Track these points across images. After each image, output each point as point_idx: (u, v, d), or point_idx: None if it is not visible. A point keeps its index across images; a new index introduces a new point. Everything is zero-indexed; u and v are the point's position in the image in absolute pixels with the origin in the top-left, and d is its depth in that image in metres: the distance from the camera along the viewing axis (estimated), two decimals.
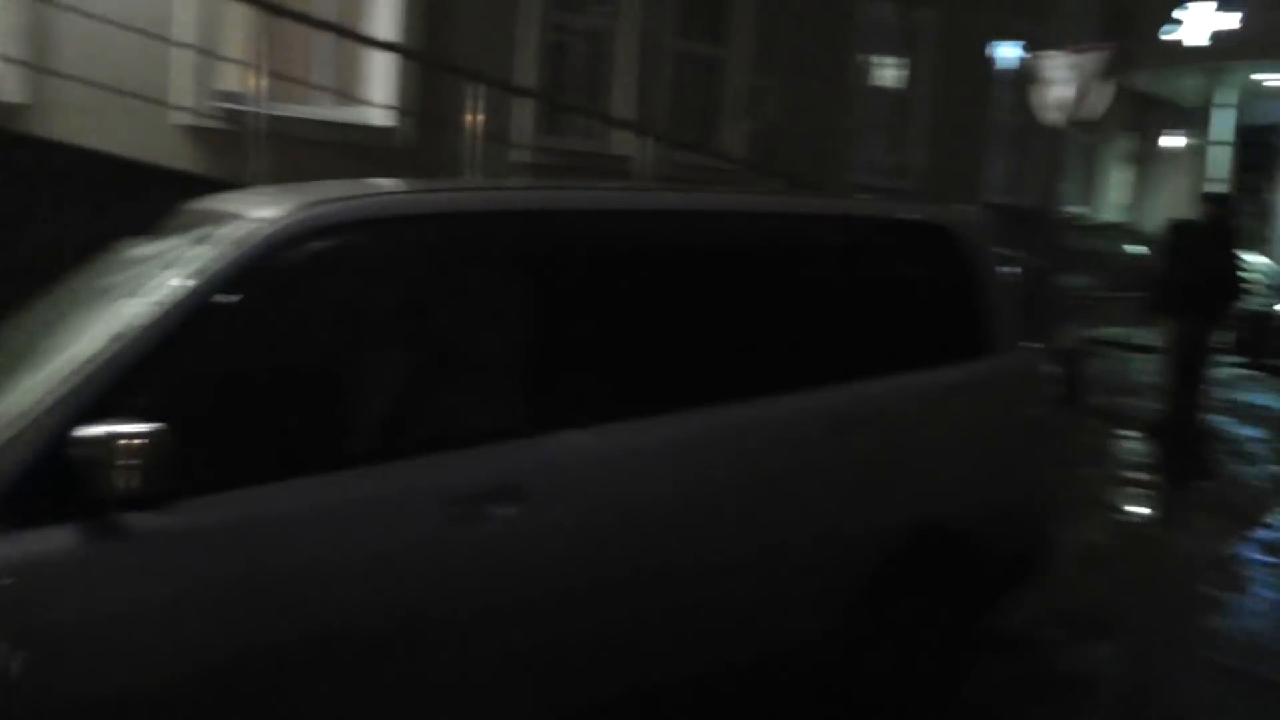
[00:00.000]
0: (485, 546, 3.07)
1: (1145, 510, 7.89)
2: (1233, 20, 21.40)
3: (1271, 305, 18.33)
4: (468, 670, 3.08)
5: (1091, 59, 11.08)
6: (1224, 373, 15.62)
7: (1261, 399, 13.42)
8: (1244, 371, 16.02)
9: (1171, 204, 26.62)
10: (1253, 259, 26.72)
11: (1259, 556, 6.94)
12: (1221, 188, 23.52)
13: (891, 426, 4.09)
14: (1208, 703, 4.74)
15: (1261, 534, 7.39)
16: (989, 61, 19.36)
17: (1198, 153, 23.65)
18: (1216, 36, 21.60)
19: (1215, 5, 21.54)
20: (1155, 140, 26.99)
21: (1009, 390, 4.66)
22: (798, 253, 4.15)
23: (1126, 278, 22.31)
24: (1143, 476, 8.74)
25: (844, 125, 16.14)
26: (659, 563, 3.43)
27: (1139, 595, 5.96)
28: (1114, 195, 24.49)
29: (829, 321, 4.11)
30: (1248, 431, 10.94)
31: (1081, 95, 11.11)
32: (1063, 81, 11.22)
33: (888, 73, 17.38)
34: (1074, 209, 22.52)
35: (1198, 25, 21.68)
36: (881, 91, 17.32)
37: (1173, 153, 26.72)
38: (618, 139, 12.14)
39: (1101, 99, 11.35)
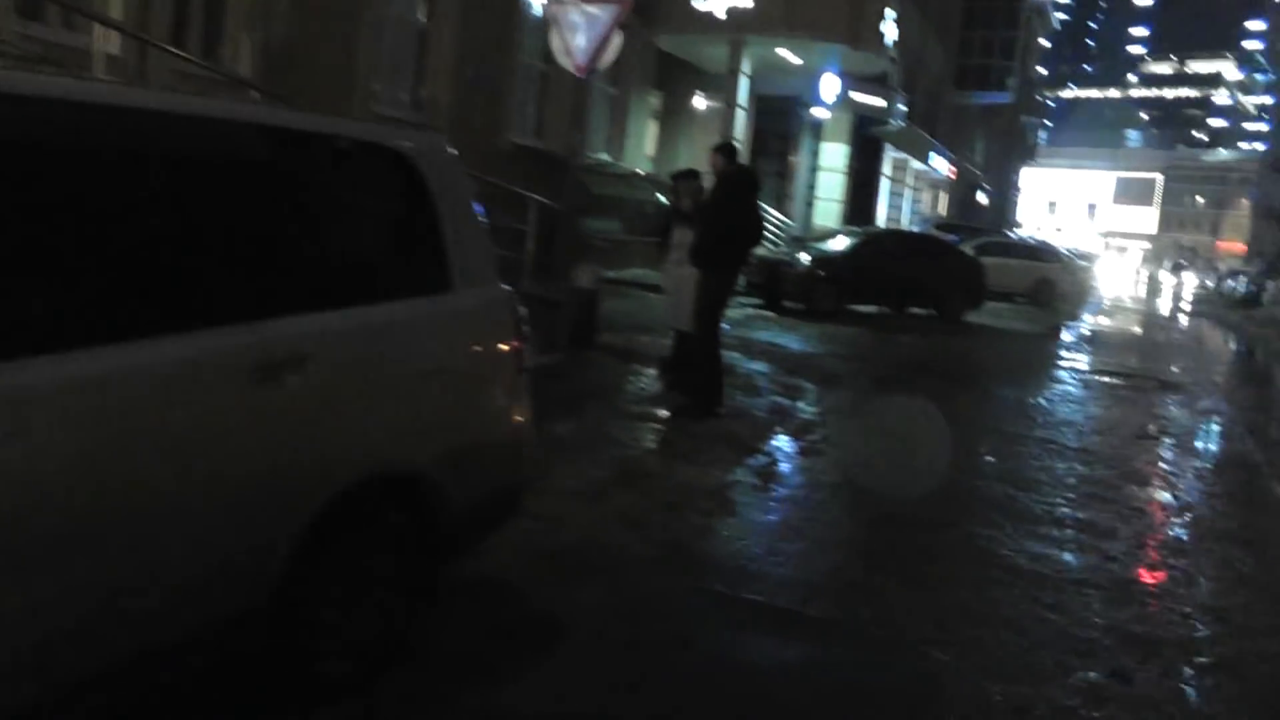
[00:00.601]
0: None
1: (650, 444, 7.56)
2: None
3: (791, 255, 19.40)
4: None
5: (606, 10, 10.75)
6: (739, 313, 16.32)
7: (770, 336, 13.94)
8: (757, 312, 16.75)
9: (694, 159, 27.83)
10: (773, 213, 28.77)
11: (752, 481, 6.78)
12: (741, 148, 24.83)
13: (331, 368, 3.32)
14: (690, 631, 4.34)
15: (757, 460, 7.27)
16: (517, 2, 19.01)
17: (722, 115, 24.77)
18: (732, 11, 22.65)
19: None
20: (684, 100, 28.08)
21: (474, 327, 4.09)
22: (214, 166, 3.18)
23: (648, 223, 23.17)
24: (651, 411, 8.49)
25: (362, 52, 15.12)
26: None
27: (632, 529, 5.50)
28: (642, 147, 25.12)
29: (254, 249, 3.24)
30: (755, 366, 11.17)
31: (594, 44, 10.75)
32: (577, 29, 10.82)
33: (410, 1, 16.45)
34: (601, 157, 22.90)
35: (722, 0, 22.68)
36: (404, 22, 16.39)
37: (700, 113, 27.94)
38: (108, 38, 10.37)
39: (612, 50, 11.06)
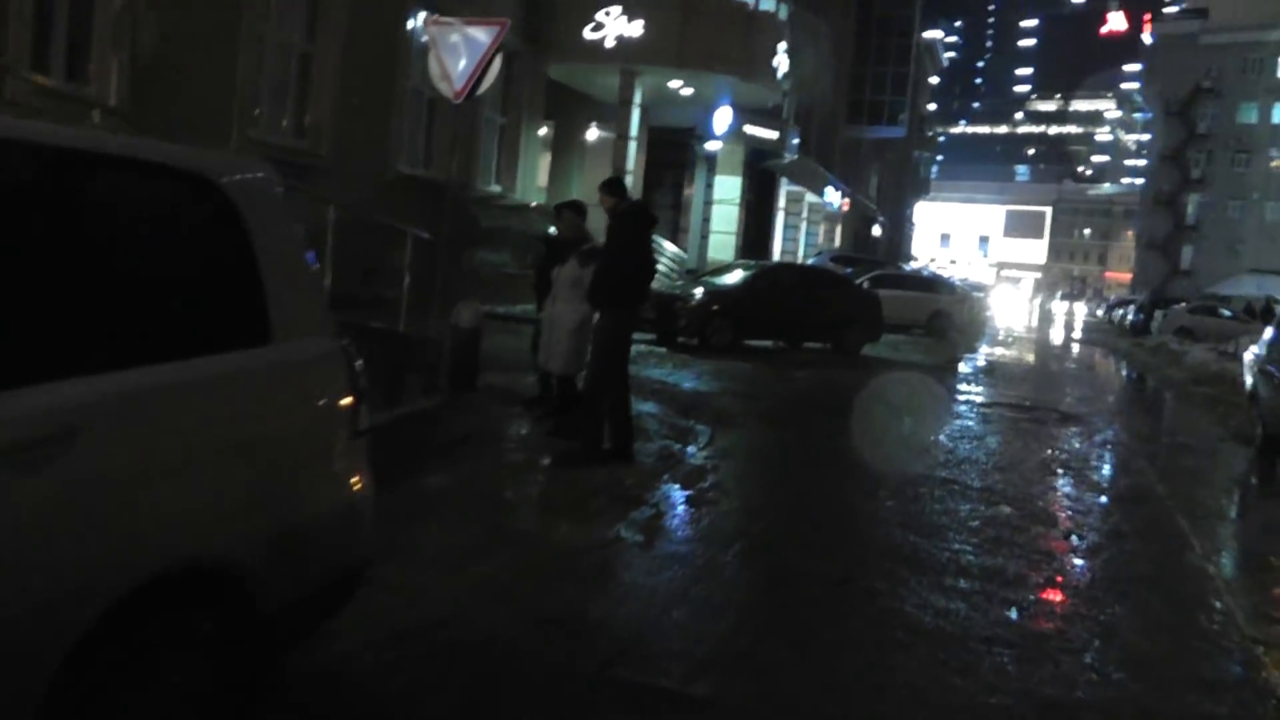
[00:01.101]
0: None
1: (528, 498, 6.94)
2: (637, 28, 22.27)
3: (685, 289, 19.01)
4: None
5: (486, 32, 10.21)
6: (632, 349, 15.79)
7: (662, 374, 13.42)
8: (650, 349, 16.26)
9: (587, 190, 27.38)
10: (667, 247, 28.42)
11: (637, 538, 6.20)
12: (632, 180, 24.45)
13: (110, 443, 2.60)
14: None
15: (642, 513, 6.69)
16: (404, 25, 18.42)
17: (615, 146, 24.37)
18: (622, 41, 22.34)
19: (621, 10, 22.26)
20: (577, 130, 27.68)
21: (298, 384, 3.41)
22: None
23: (540, 256, 22.60)
24: (532, 459, 7.88)
25: (240, 75, 14.44)
26: None
27: (501, 601, 4.87)
28: (534, 178, 24.58)
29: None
30: (645, 407, 10.61)
31: (472, 69, 10.20)
32: (456, 52, 10.26)
33: (291, 22, 15.74)
34: (491, 188, 22.36)
35: (611, 29, 22.38)
36: (285, 44, 15.69)
37: (593, 144, 27.54)
38: None
39: (491, 75, 10.50)
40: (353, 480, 3.56)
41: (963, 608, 5.42)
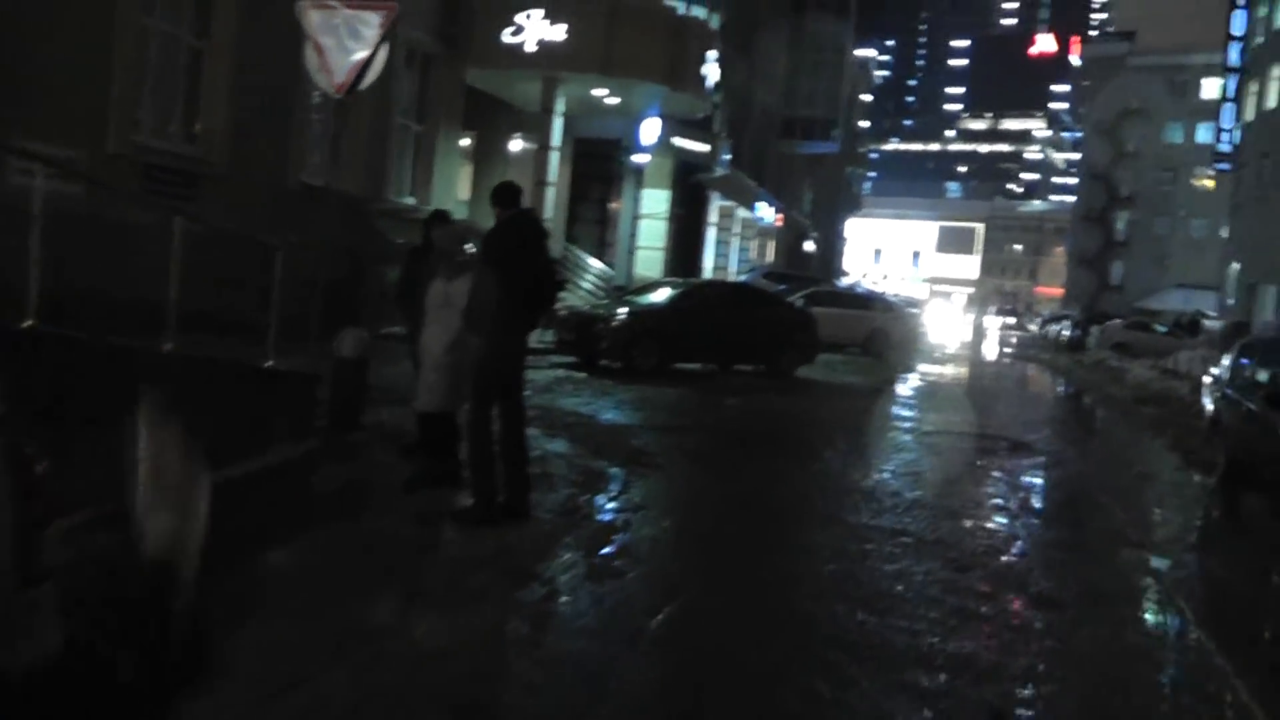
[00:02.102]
0: None
1: (394, 577, 5.60)
2: (559, 33, 21.11)
3: (608, 308, 17.78)
4: None
5: (370, 18, 8.94)
6: (545, 375, 14.56)
7: (577, 403, 12.20)
8: (568, 374, 15.06)
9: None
10: (593, 263, 27.24)
11: (524, 631, 4.95)
12: (555, 193, 23.25)
13: None
14: None
15: (533, 593, 5.41)
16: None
17: (538, 157, 23.15)
18: (544, 46, 21.16)
19: (542, 14, 21.10)
20: (499, 140, 26.45)
21: None
22: None
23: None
24: (408, 519, 6.58)
25: (119, 73, 13.08)
26: None
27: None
28: (453, 191, 23.24)
29: None
30: (554, 446, 9.36)
31: (352, 61, 8.94)
32: (337, 41, 8.99)
33: (177, 13, 14.33)
34: (406, 200, 21.05)
35: (531, 33, 21.20)
36: (172, 40, 14.29)
37: (516, 155, 26.31)
38: None
39: (376, 67, 9.21)
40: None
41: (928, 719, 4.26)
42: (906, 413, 15.05)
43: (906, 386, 19.49)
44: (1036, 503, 9.26)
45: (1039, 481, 10.43)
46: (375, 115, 19.26)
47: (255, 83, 14.85)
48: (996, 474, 10.33)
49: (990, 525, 7.95)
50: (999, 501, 8.95)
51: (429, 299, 7.23)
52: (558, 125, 22.74)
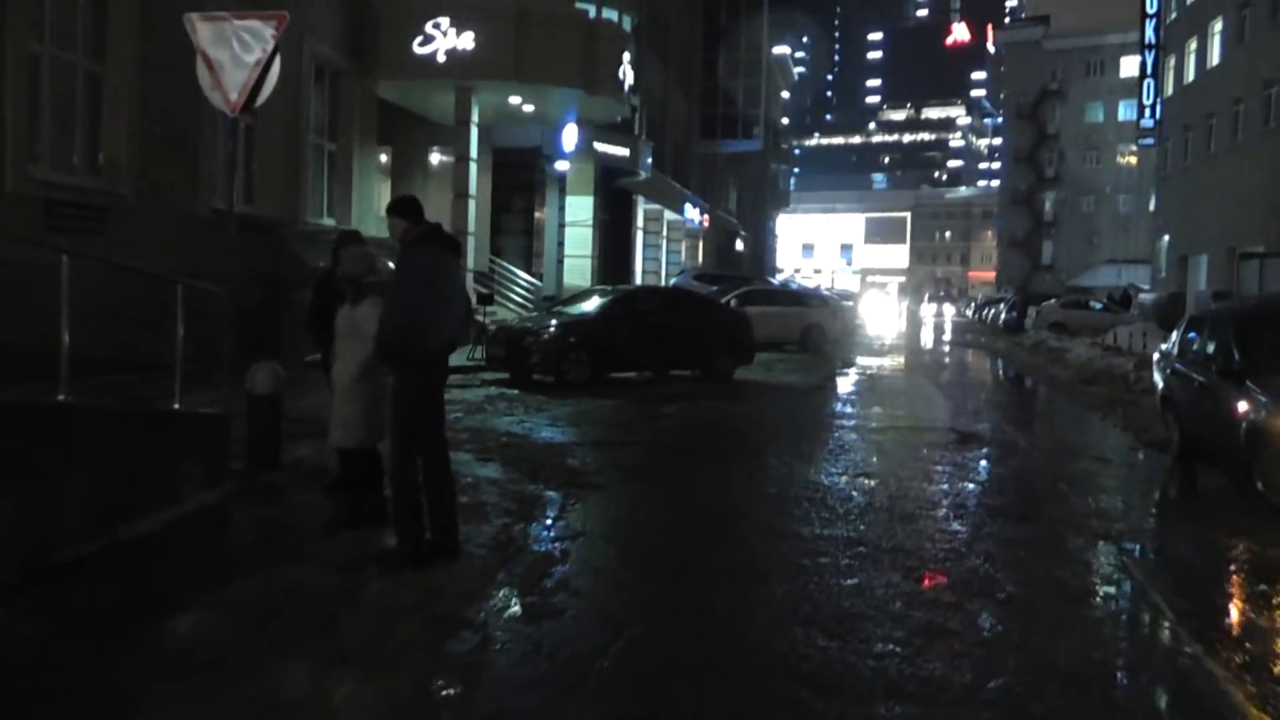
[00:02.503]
0: None
1: (305, 637, 5.05)
2: (468, 40, 20.58)
3: (539, 321, 17.27)
4: None
5: (260, 30, 8.36)
6: (476, 394, 14.04)
7: (509, 423, 11.66)
8: (500, 391, 14.54)
9: (435, 215, 25.58)
10: (520, 275, 26.66)
11: (452, 690, 4.44)
12: (476, 205, 22.70)
13: None
14: None
15: (464, 643, 4.90)
16: None
17: (456, 169, 22.55)
18: (454, 56, 20.60)
19: (450, 22, 20.54)
20: (417, 154, 25.87)
21: None
22: None
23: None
24: (328, 573, 6.02)
25: (10, 100, 12.33)
26: None
27: None
28: (372, 208, 22.57)
29: None
30: (485, 471, 8.85)
31: (249, 76, 8.36)
32: (228, 55, 8.39)
33: (71, 38, 13.59)
34: (323, 221, 20.42)
35: (441, 43, 20.64)
36: (67, 66, 13.56)
37: (435, 168, 25.73)
38: None
39: (270, 82, 8.61)
40: None
41: None
42: (849, 409, 14.70)
43: (847, 381, 19.18)
44: (992, 498, 8.86)
45: (993, 474, 10.09)
46: (286, 134, 18.59)
47: (157, 107, 14.18)
48: (947, 469, 9.96)
49: (948, 527, 7.55)
50: (954, 499, 8.57)
51: (337, 325, 6.70)
52: (474, 136, 22.19)
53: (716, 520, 7.67)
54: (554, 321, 16.55)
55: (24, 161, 12.70)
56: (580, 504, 7.88)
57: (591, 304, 17.78)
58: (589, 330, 16.23)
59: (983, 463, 10.52)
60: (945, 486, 9.10)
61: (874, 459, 10.42)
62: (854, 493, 8.65)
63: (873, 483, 9.09)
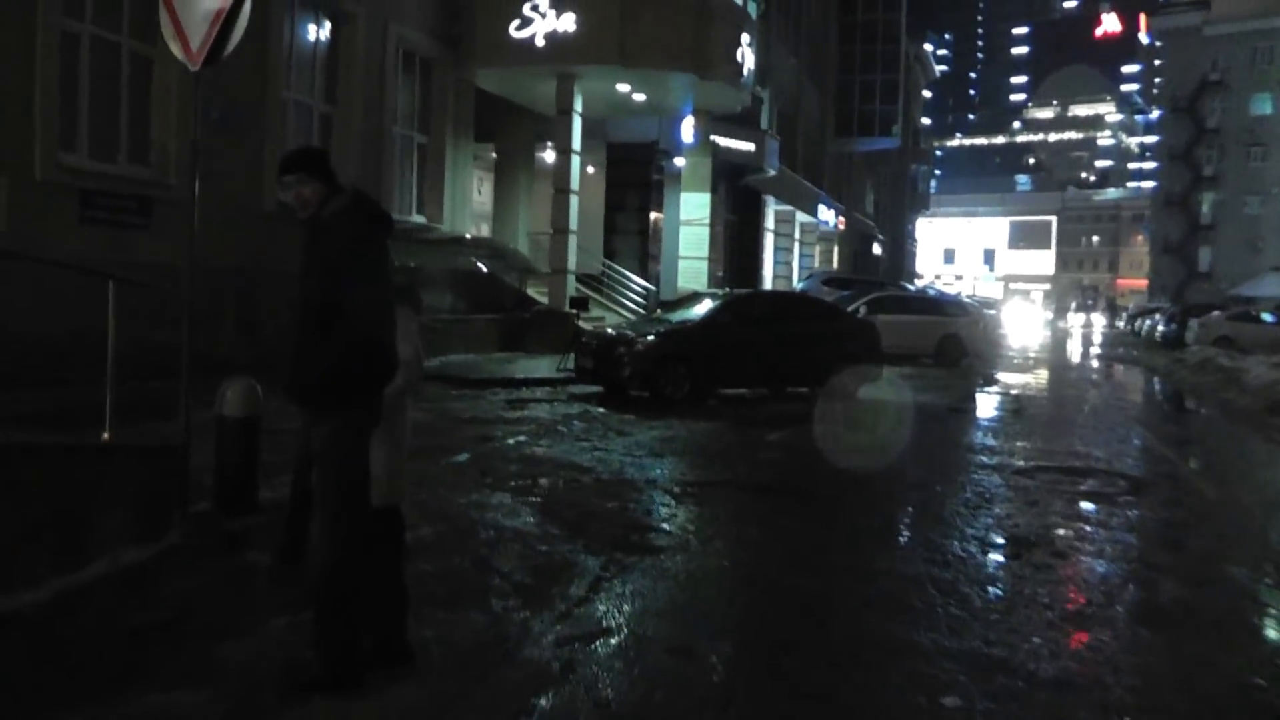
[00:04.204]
0: None
1: None
2: (569, 22, 18.90)
3: (637, 329, 15.42)
4: None
5: None
6: (555, 410, 12.28)
7: (577, 451, 9.73)
8: (582, 407, 12.73)
9: (535, 219, 24.03)
10: (633, 279, 24.88)
11: None
12: (577, 202, 21.00)
13: None
14: None
15: None
16: (282, 15, 15.12)
17: (558, 163, 20.86)
18: (553, 39, 18.95)
19: (550, 3, 18.90)
20: (524, 150, 24.39)
21: None
22: None
23: (480, 296, 19.20)
24: (241, 686, 4.23)
25: (34, 81, 11.25)
26: None
27: None
28: (468, 206, 21.04)
29: None
30: (516, 522, 6.96)
31: (206, 20, 6.67)
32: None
33: (107, 10, 12.39)
34: (413, 219, 19.06)
35: (540, 24, 19.04)
36: (107, 43, 12.40)
37: (543, 165, 24.17)
38: None
39: (237, 32, 6.83)
40: None
41: None
42: (990, 441, 12.30)
43: (988, 403, 16.78)
44: (1188, 588, 6.46)
45: (1182, 543, 7.71)
46: (368, 124, 17.13)
47: (217, 87, 12.76)
48: (1121, 534, 7.65)
49: (1133, 639, 5.33)
50: (1141, 589, 6.27)
51: None
52: (577, 126, 20.41)
53: (801, 617, 5.55)
54: (651, 330, 14.62)
55: (56, 149, 11.50)
56: (619, 580, 5.85)
57: (699, 310, 15.81)
58: (690, 340, 14.27)
59: (1166, 530, 8.12)
60: (1123, 566, 6.80)
61: (1022, 518, 8.07)
62: (992, 573, 6.47)
63: (1016, 558, 6.83)
